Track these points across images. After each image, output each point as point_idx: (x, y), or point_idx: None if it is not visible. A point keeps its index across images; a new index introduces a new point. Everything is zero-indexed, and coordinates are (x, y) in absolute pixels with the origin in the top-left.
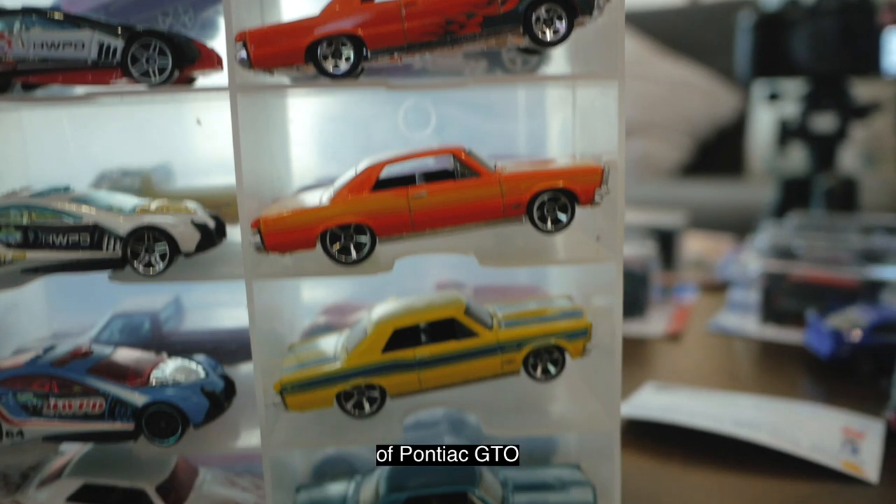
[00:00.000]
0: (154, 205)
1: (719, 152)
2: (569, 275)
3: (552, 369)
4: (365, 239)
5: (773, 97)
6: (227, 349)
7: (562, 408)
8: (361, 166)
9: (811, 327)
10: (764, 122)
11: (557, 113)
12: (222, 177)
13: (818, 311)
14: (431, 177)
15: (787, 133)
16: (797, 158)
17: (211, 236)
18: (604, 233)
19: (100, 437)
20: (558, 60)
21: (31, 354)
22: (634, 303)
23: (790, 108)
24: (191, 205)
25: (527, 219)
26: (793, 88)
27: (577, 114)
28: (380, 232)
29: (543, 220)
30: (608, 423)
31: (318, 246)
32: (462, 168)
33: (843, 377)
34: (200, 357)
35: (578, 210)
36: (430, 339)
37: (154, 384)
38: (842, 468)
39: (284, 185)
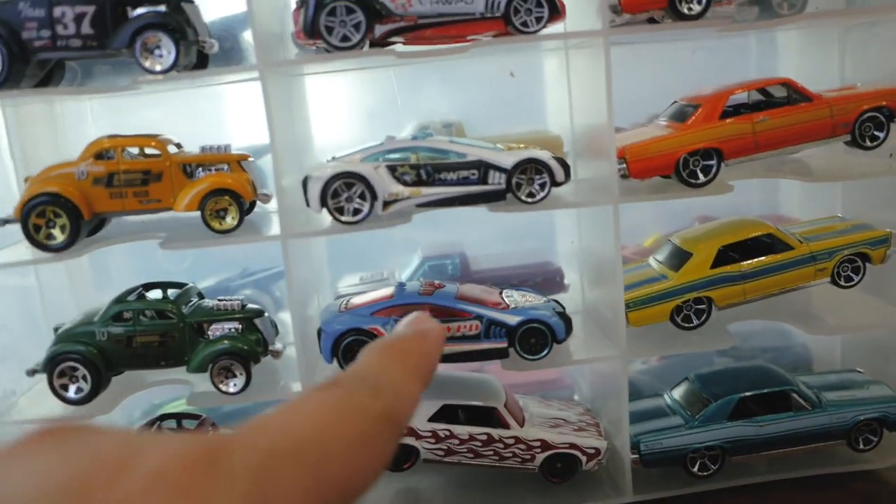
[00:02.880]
0: (505, 145)
1: None
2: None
3: (854, 276)
4: (712, 162)
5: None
6: (532, 282)
7: (856, 312)
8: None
9: None
10: None
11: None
12: (525, 125)
13: None
14: (760, 105)
15: None
16: None
17: (569, 171)
18: None
19: (475, 355)
20: None
21: (390, 289)
22: None
23: None
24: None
25: (850, 137)
26: None
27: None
28: (728, 155)
29: (862, 139)
30: None
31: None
32: (794, 94)
33: None
34: (524, 287)
35: None
36: (751, 253)
37: (515, 307)
38: None
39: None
